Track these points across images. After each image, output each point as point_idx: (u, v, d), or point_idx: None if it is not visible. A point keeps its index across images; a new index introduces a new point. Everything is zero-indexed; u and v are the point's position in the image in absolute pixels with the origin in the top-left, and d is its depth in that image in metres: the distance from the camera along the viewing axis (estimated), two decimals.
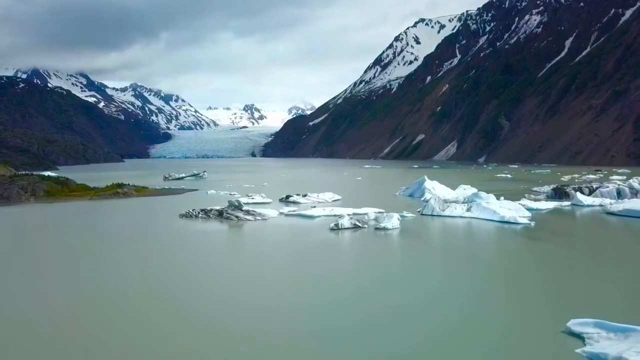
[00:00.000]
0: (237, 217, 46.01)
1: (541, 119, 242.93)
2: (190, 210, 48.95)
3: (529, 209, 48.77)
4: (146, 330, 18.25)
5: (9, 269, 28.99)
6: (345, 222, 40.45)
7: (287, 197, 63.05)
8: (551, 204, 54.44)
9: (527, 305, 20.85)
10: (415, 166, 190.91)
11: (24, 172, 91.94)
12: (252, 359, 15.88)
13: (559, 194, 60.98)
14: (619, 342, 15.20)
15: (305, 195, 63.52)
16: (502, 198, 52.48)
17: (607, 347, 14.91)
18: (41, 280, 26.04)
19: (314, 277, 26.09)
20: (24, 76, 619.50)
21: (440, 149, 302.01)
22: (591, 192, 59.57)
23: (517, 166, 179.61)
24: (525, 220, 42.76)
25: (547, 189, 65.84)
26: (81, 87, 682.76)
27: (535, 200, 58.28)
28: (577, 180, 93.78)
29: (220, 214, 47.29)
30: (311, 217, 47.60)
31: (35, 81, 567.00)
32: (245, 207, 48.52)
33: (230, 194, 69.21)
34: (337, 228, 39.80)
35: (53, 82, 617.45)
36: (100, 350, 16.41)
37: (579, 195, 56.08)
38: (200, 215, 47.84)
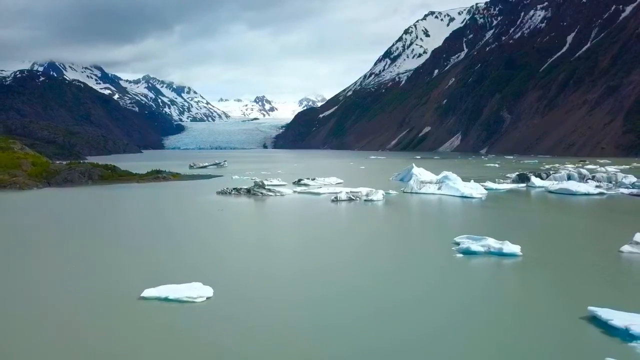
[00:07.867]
0: (261, 193, 60.20)
1: (540, 112, 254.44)
2: (225, 189, 63.26)
3: (488, 189, 62.45)
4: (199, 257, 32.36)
5: (101, 225, 43.45)
6: (343, 196, 54.42)
7: (299, 180, 77.18)
8: (510, 186, 68.15)
9: (443, 234, 35.20)
10: (418, 157, 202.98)
11: (79, 161, 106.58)
12: (275, 267, 29.91)
13: (522, 178, 74.23)
14: (475, 243, 29.10)
15: (313, 179, 77.53)
16: (472, 180, 66.10)
17: (467, 245, 28.90)
18: (122, 230, 40.35)
19: (317, 232, 40.19)
20: (41, 69, 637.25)
21: (445, 141, 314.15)
22: (547, 176, 72.88)
23: (512, 157, 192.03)
24: (479, 196, 56.57)
25: (513, 174, 79.11)
26: (96, 80, 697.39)
27: (501, 183, 71.76)
28: (554, 168, 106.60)
29: (248, 191, 61.49)
30: (317, 194, 61.72)
31: (51, 74, 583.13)
32: (266, 187, 62.66)
33: (252, 179, 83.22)
34: (336, 200, 53.77)
35: (69, 75, 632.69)
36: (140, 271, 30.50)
37: (533, 178, 69.63)
38: (232, 192, 62.05)
